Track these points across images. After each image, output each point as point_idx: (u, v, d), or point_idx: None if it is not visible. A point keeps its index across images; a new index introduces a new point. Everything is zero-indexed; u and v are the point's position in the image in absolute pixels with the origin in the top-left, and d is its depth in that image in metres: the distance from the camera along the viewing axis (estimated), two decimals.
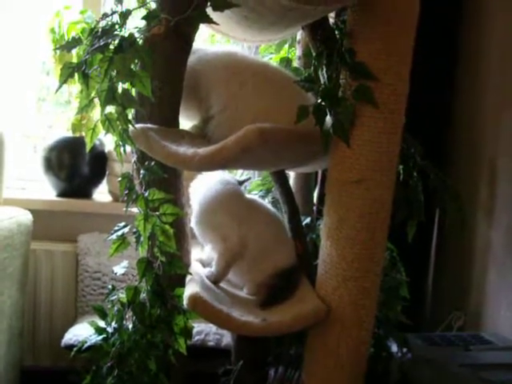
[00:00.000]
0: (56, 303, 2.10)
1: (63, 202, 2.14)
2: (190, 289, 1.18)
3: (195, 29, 1.22)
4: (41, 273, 2.09)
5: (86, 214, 2.15)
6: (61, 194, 2.17)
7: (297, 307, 1.21)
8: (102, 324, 1.29)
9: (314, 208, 1.59)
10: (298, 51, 1.56)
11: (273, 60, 1.56)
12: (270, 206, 1.43)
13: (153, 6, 1.18)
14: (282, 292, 1.28)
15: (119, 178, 1.25)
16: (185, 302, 1.17)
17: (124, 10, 1.13)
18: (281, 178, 1.40)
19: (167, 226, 1.19)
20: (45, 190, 2.21)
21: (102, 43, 1.11)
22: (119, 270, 1.30)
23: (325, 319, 1.20)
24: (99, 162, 2.17)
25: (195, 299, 1.15)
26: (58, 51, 1.95)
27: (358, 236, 1.18)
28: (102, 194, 2.24)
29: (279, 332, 1.23)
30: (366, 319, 1.21)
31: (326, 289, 1.22)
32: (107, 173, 2.18)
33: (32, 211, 1.91)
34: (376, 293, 1.22)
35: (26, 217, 1.87)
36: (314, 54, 1.25)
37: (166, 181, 1.23)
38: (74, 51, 1.51)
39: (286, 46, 1.56)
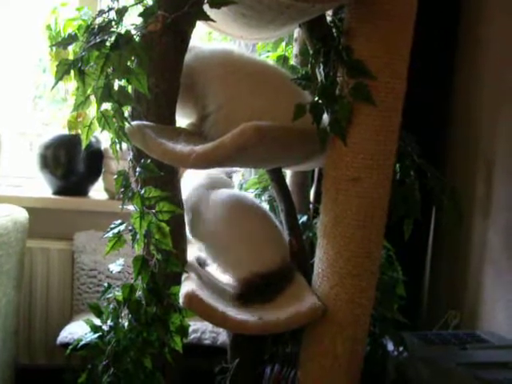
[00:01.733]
0: (52, 301, 2.10)
1: (59, 200, 2.14)
2: (186, 287, 1.18)
3: (192, 26, 1.21)
4: (36, 271, 2.09)
5: (82, 211, 2.15)
6: (57, 192, 2.16)
7: (293, 305, 1.21)
8: (97, 322, 1.28)
9: (311, 206, 1.59)
10: (295, 49, 1.56)
11: (270, 58, 1.56)
12: (261, 208, 1.41)
13: (149, 2, 1.18)
14: (261, 293, 1.26)
15: (115, 176, 1.24)
16: (181, 300, 1.17)
17: (120, 6, 1.13)
18: (277, 176, 1.40)
19: (163, 224, 1.18)
20: (41, 187, 2.20)
21: (98, 40, 1.10)
22: (115, 267, 1.30)
23: (321, 317, 1.20)
24: (95, 160, 2.16)
25: (191, 297, 1.15)
26: (54, 48, 1.94)
27: (354, 234, 1.17)
28: (97, 191, 2.23)
29: (275, 330, 1.23)
30: (363, 317, 1.21)
31: (323, 287, 1.22)
32: (103, 170, 2.18)
33: (28, 209, 1.91)
34: (373, 291, 1.22)
35: (22, 214, 1.86)
36: (311, 52, 1.25)
37: (163, 178, 1.23)
38: (71, 48, 1.51)
39: (283, 43, 1.56)
